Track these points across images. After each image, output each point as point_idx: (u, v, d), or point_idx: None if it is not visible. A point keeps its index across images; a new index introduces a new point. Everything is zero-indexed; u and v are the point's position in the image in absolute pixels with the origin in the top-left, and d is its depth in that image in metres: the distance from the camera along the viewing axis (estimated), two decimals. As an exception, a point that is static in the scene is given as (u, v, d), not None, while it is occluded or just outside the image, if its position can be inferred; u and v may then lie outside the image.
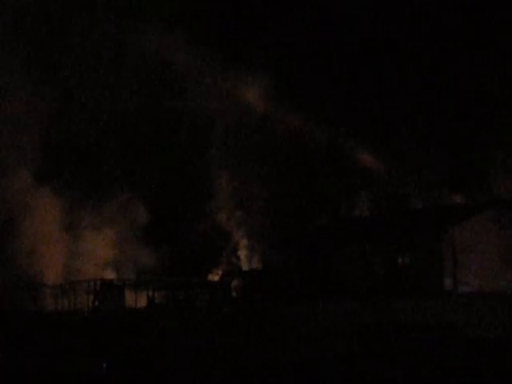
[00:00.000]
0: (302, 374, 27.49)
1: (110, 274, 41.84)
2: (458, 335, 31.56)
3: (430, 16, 53.95)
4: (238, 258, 48.42)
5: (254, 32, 51.14)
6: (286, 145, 50.56)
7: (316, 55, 53.92)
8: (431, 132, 51.33)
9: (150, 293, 37.44)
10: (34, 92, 43.13)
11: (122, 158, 47.67)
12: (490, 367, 27.19)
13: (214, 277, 45.42)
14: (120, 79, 46.17)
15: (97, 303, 35.42)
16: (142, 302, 36.99)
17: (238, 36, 50.40)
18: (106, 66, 46.01)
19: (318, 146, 51.26)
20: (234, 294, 41.27)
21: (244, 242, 48.49)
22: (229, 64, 49.09)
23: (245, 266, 47.54)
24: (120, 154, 47.59)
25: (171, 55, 47.72)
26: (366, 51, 54.35)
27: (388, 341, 31.52)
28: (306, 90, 51.04)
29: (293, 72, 51.60)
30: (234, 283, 41.84)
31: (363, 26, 54.56)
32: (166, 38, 46.86)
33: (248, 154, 49.94)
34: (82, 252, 43.35)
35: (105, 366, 27.58)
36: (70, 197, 43.93)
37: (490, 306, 34.33)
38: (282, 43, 52.19)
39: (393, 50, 54.14)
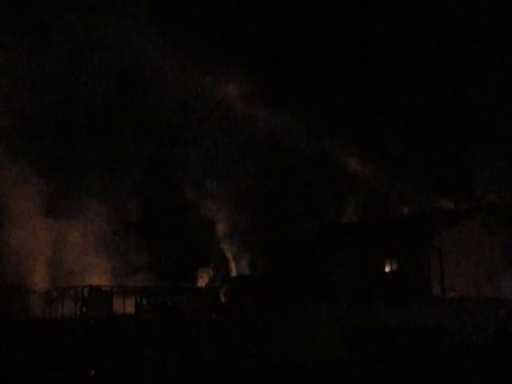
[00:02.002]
0: (292, 378, 27.48)
1: (97, 279, 41.64)
2: (446, 340, 31.67)
3: (415, 19, 54.29)
4: (227, 263, 48.38)
5: (235, 31, 51.38)
6: (273, 149, 50.66)
7: (303, 60, 54.11)
8: (418, 138, 51.56)
9: (138, 299, 37.33)
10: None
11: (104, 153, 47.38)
12: (477, 372, 27.29)
13: (202, 278, 45.35)
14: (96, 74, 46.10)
15: (85, 310, 35.27)
16: (130, 308, 36.86)
17: (220, 35, 50.64)
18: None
19: (306, 151, 51.38)
20: (222, 299, 41.25)
21: (233, 247, 48.47)
22: (209, 63, 49.13)
23: (233, 272, 47.54)
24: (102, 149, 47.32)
25: (147, 52, 47.66)
26: (353, 56, 54.60)
27: (376, 345, 31.57)
28: (293, 94, 51.23)
29: (278, 75, 51.81)
30: (223, 289, 41.82)
31: (348, 27, 54.80)
32: (144, 36, 46.88)
33: (233, 157, 49.97)
34: (68, 257, 43.16)
35: (92, 373, 27.45)
36: (53, 197, 43.73)
37: (477, 311, 34.48)
38: (264, 43, 52.39)
39: (379, 53, 54.38)
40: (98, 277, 42.50)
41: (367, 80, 54.47)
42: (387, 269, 38.58)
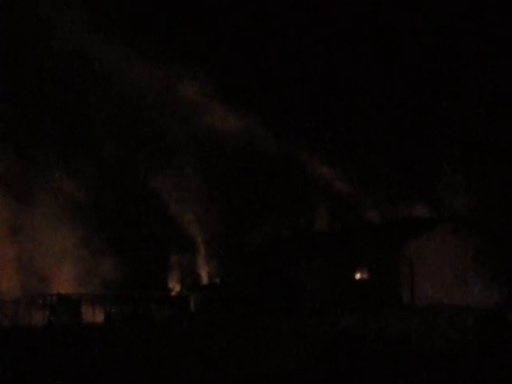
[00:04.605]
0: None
1: (66, 288, 41.20)
2: (414, 348, 31.85)
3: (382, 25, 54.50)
4: (198, 271, 48.20)
5: (200, 30, 51.22)
6: (243, 156, 50.55)
7: (274, 64, 53.92)
8: (389, 146, 51.86)
9: (108, 307, 37.02)
10: None
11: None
12: (446, 379, 27.53)
13: (174, 285, 45.08)
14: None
15: (53, 318, 34.88)
16: (100, 317, 36.54)
17: (185, 33, 50.46)
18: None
19: (276, 159, 51.42)
20: (193, 308, 41.08)
21: (204, 256, 48.30)
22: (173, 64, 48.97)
23: (204, 280, 47.35)
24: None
25: (104, 50, 47.50)
26: (322, 62, 54.63)
27: (346, 354, 31.63)
28: (262, 99, 51.09)
29: (247, 78, 51.69)
30: (194, 297, 41.64)
31: (314, 27, 54.73)
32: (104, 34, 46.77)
33: (201, 164, 49.85)
34: (36, 265, 42.68)
35: (60, 383, 27.17)
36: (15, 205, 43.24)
37: (446, 319, 34.75)
38: (231, 44, 52.21)
39: (350, 57, 54.45)
40: (67, 282, 42.08)
41: (336, 88, 54.63)
42: (358, 277, 38.73)
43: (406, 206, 48.13)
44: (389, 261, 37.48)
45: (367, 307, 35.02)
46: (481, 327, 35.88)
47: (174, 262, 47.80)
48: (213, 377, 28.85)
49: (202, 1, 53.24)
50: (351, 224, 49.35)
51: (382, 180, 51.15)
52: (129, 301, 38.38)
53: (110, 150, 47.94)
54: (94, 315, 36.19)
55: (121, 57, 47.65)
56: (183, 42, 49.07)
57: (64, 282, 42.44)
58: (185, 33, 50.48)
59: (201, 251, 48.46)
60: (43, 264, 42.74)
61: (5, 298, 39.48)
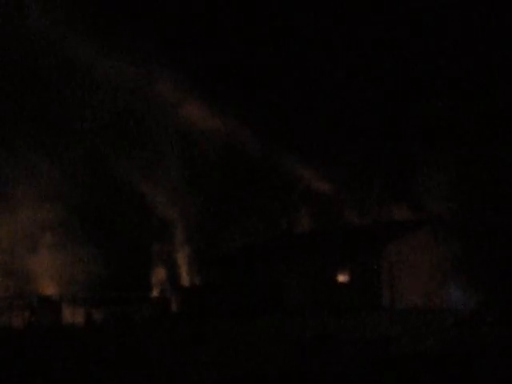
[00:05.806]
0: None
1: (46, 289, 41.00)
2: (393, 350, 32.00)
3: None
4: (179, 273, 48.10)
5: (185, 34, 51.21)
6: (224, 158, 50.53)
7: (256, 68, 53.97)
8: (370, 149, 52.14)
9: (88, 308, 36.90)
10: None
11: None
12: (425, 381, 27.70)
13: (157, 278, 44.99)
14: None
15: (33, 319, 34.70)
16: (80, 318, 36.41)
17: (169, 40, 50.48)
18: None
19: (259, 160, 51.50)
20: (173, 309, 41.01)
21: (184, 257, 48.19)
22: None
23: (185, 282, 47.25)
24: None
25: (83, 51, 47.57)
26: (304, 63, 54.75)
27: (326, 356, 31.72)
28: (244, 101, 51.12)
29: (231, 82, 51.74)
30: (174, 298, 41.59)
31: (297, 27, 54.77)
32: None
33: (182, 165, 49.73)
34: (17, 266, 42.37)
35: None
36: None
37: (425, 321, 34.97)
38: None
39: (331, 60, 54.64)
40: (48, 282, 41.82)
41: (319, 89, 54.83)
42: (338, 279, 38.86)
43: (387, 208, 48.42)
44: (369, 263, 37.68)
45: (348, 309, 35.17)
46: (460, 329, 36.15)
47: (155, 252, 47.60)
48: (193, 379, 28.84)
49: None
50: (332, 226, 49.52)
51: (363, 182, 51.41)
52: (109, 302, 38.27)
53: (89, 138, 47.95)
54: (74, 316, 36.02)
55: (101, 51, 47.69)
56: (162, 38, 49.23)
57: (43, 275, 42.12)
58: (164, 29, 50.61)
59: (182, 252, 48.33)
60: (23, 257, 42.40)
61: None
